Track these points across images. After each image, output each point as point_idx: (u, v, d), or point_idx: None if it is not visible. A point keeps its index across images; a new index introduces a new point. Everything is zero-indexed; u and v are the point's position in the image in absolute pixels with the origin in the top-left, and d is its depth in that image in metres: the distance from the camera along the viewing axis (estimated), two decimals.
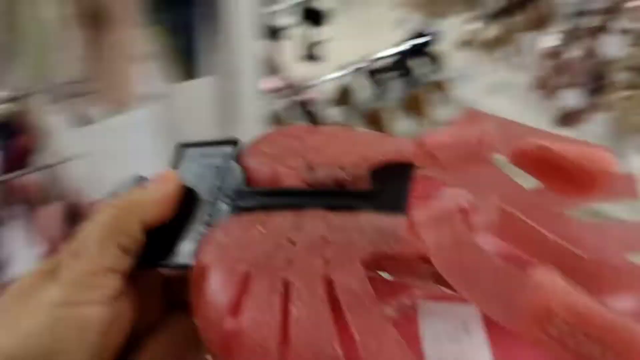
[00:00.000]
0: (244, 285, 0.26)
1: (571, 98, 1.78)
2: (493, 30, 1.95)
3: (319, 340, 0.24)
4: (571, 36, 1.77)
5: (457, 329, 0.24)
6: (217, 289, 0.26)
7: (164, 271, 0.31)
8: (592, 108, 1.76)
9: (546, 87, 1.83)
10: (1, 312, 0.26)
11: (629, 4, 1.64)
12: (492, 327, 0.25)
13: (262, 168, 0.30)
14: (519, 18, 1.87)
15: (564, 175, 0.25)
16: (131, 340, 0.28)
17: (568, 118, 1.78)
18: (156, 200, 0.29)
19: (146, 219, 0.28)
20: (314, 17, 1.84)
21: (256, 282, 0.25)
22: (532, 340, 0.20)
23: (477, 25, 2.00)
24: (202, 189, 0.31)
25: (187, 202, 0.30)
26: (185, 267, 0.28)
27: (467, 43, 2.02)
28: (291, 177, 0.30)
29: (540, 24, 1.83)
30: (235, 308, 0.25)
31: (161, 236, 0.29)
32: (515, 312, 0.21)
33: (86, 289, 0.26)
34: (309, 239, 0.26)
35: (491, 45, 1.96)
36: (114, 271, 0.27)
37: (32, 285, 0.27)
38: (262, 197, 0.29)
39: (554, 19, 1.83)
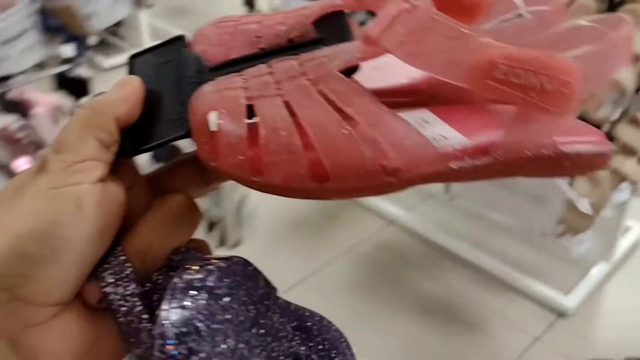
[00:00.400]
0: (251, 113, 0.29)
1: None
2: None
3: (333, 129, 0.28)
4: None
5: (419, 122, 0.31)
6: (229, 124, 0.29)
7: (148, 165, 0.34)
8: None
9: None
10: (2, 203, 0.28)
11: None
12: (439, 113, 0.32)
13: (214, 50, 0.34)
14: None
15: (456, 5, 0.32)
16: (123, 232, 0.30)
17: None
18: (122, 97, 0.31)
19: (117, 115, 0.30)
20: (74, 87, 1.67)
21: (260, 107, 0.29)
22: (483, 90, 0.28)
23: None
24: (165, 85, 0.33)
25: (151, 101, 0.32)
26: (172, 141, 0.31)
27: None
28: (245, 49, 0.33)
29: None
30: (252, 134, 0.29)
31: (136, 131, 0.31)
32: (468, 71, 0.28)
33: (73, 173, 0.28)
34: (286, 70, 0.30)
35: None
36: (97, 160, 0.29)
37: (25, 180, 0.29)
38: (226, 68, 0.32)
39: None
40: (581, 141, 0.30)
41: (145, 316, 0.29)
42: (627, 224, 1.85)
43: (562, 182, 0.28)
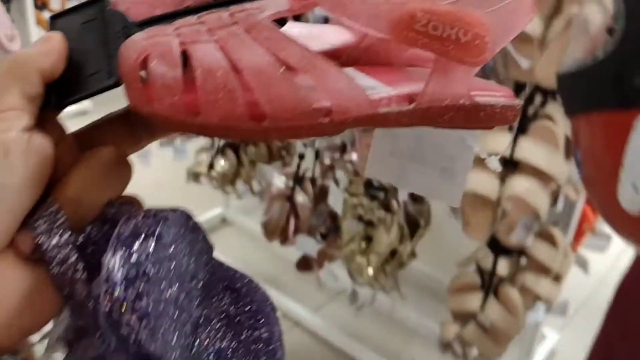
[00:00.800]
0: (187, 56, 0.29)
1: (305, 244, 1.70)
2: (222, 164, 1.92)
3: (268, 70, 0.29)
4: (302, 177, 1.72)
5: None
6: (162, 66, 0.29)
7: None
8: (324, 256, 1.71)
9: (276, 231, 1.74)
10: None
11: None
12: (363, 71, 0.34)
13: (138, 8, 0.33)
14: (248, 152, 1.85)
15: None
16: (52, 187, 0.30)
17: (304, 264, 1.75)
18: (45, 51, 0.31)
19: (40, 68, 0.30)
20: None
21: (195, 51, 0.29)
22: (404, 40, 0.30)
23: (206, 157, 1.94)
24: (89, 41, 0.32)
25: (77, 56, 0.32)
26: (100, 92, 0.31)
27: (196, 176, 1.98)
28: (170, 8, 0.34)
29: (271, 158, 1.80)
30: (187, 75, 0.29)
31: (62, 85, 0.31)
32: (390, 23, 0.30)
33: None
34: (217, 20, 0.31)
35: (220, 179, 1.94)
36: (22, 110, 0.29)
37: None
38: (153, 23, 0.32)
39: (287, 155, 1.82)
40: (493, 95, 0.33)
41: (80, 266, 0.29)
42: (542, 332, 1.82)
43: (468, 149, 0.35)
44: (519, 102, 0.34)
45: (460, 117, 0.32)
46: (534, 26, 1.14)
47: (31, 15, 2.99)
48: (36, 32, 2.81)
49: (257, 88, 0.29)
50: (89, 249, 0.30)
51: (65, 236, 0.29)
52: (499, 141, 1.25)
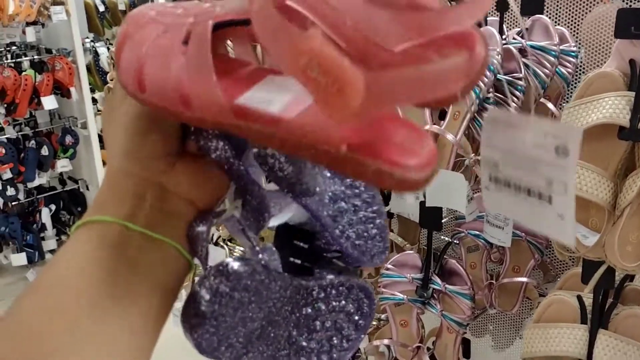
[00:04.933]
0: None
1: None
2: None
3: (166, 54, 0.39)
4: None
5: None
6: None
7: None
8: None
9: None
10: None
11: None
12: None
13: None
14: None
15: None
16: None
17: None
18: None
19: None
20: None
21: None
22: (302, 82, 0.28)
23: None
24: None
25: None
26: None
27: None
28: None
29: None
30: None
31: None
32: (289, 60, 0.28)
33: None
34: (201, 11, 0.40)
35: None
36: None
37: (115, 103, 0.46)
38: None
39: None
40: (371, 153, 0.30)
41: (224, 146, 0.42)
42: None
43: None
44: (400, 170, 0.30)
45: (324, 162, 0.32)
46: (596, 188, 0.82)
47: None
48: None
49: (150, 65, 0.39)
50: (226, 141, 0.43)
51: (211, 134, 0.42)
52: (568, 339, 0.91)
